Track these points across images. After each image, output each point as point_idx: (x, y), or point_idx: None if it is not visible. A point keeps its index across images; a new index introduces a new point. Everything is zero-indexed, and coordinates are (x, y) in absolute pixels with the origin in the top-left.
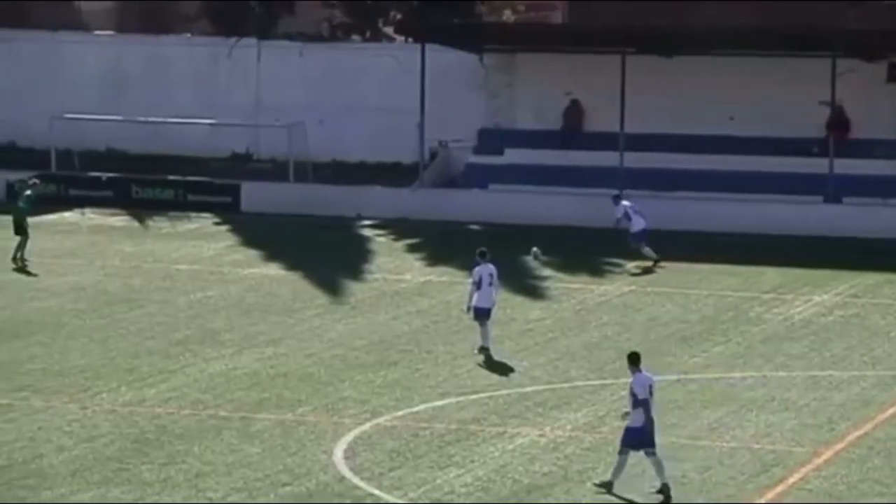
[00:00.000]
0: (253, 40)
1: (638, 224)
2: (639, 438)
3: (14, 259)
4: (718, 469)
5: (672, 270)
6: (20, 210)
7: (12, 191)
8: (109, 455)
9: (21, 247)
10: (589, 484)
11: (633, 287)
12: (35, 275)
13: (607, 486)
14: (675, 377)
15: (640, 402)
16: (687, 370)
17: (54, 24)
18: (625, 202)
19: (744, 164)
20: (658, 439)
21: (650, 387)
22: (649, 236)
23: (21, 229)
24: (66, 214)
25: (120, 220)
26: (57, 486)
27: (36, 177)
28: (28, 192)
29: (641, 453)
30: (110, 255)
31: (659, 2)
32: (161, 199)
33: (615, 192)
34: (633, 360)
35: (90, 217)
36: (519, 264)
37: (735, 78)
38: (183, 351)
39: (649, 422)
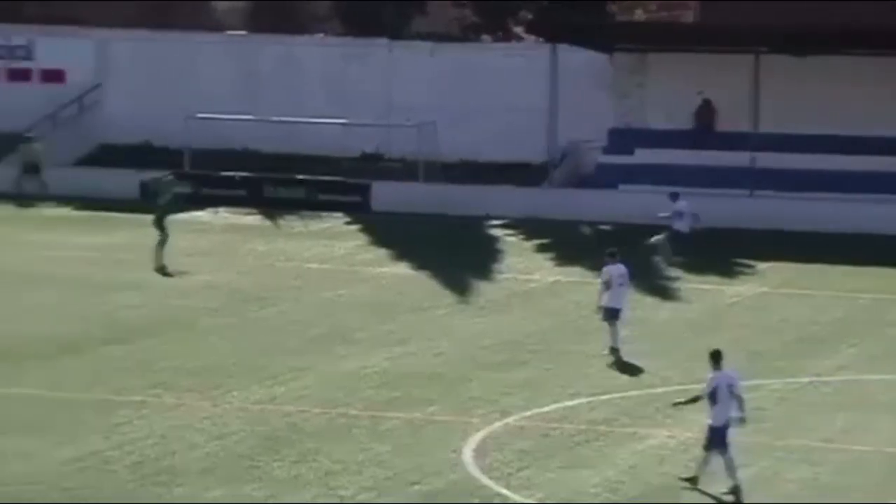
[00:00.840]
0: (384, 40)
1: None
2: (723, 435)
3: (158, 257)
4: (851, 472)
5: (805, 272)
6: (164, 208)
7: (147, 190)
8: (241, 453)
9: (161, 244)
10: (718, 489)
11: (764, 288)
12: (172, 275)
13: (735, 492)
14: (807, 379)
15: (705, 397)
16: (820, 372)
17: (189, 24)
18: (683, 202)
19: (877, 164)
20: (785, 441)
21: (730, 386)
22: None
23: (160, 225)
24: (200, 213)
25: (252, 219)
26: (189, 482)
27: (171, 175)
28: (168, 194)
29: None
30: (243, 254)
31: (792, 1)
32: (293, 198)
33: (673, 189)
34: (713, 357)
35: (223, 216)
36: (649, 265)
37: (869, 78)
38: (314, 349)
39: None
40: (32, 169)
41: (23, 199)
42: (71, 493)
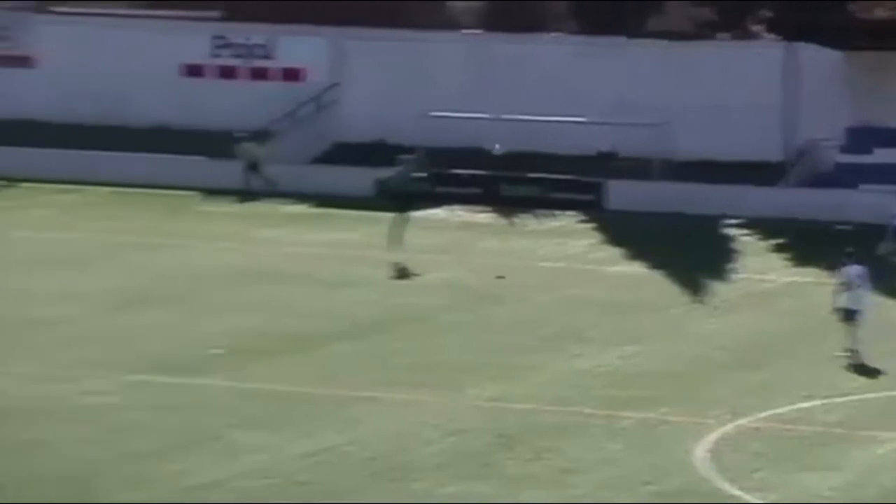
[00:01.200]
0: (621, 39)
1: None
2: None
3: (395, 242)
4: None
5: None
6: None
7: (382, 187)
8: (474, 449)
9: (400, 224)
10: None
11: None
12: (408, 275)
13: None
14: None
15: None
16: None
17: (426, 23)
18: None
19: None
20: None
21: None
22: None
23: (402, 206)
24: (434, 211)
25: (486, 216)
26: (423, 479)
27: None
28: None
29: None
30: (476, 252)
31: None
32: (526, 196)
33: None
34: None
35: (457, 214)
36: (888, 265)
37: None
38: (547, 347)
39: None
40: (253, 167)
41: (248, 195)
42: (306, 488)
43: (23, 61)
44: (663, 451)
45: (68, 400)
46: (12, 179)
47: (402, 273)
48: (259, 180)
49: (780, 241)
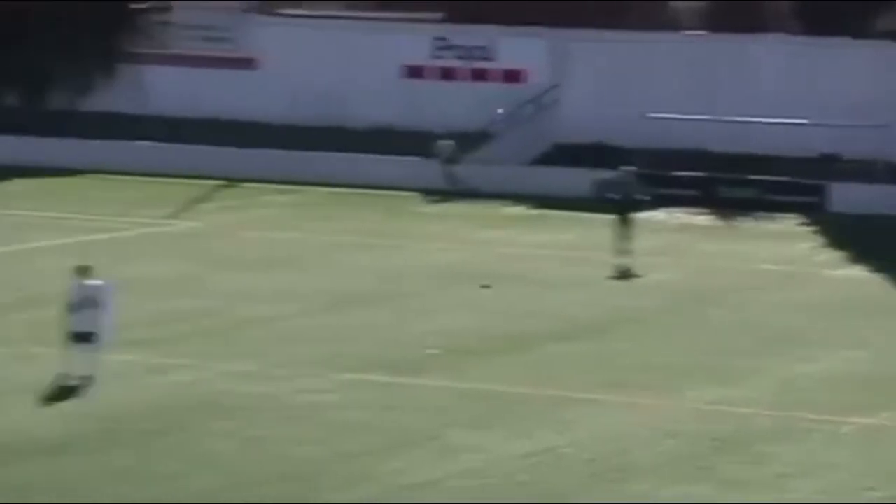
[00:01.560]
0: (845, 39)
1: None
2: None
3: (623, 248)
4: None
5: None
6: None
7: (602, 190)
8: (693, 452)
9: (625, 228)
10: None
11: None
12: (628, 277)
13: None
14: None
15: None
16: None
17: (647, 24)
18: None
19: None
20: None
21: None
22: None
23: (624, 220)
24: (653, 213)
25: (704, 219)
26: (642, 481)
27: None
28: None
29: None
30: (694, 254)
31: None
32: (745, 198)
33: None
34: None
35: (676, 216)
36: None
37: None
38: (767, 351)
39: None
40: (449, 162)
41: (453, 195)
42: (525, 488)
43: (246, 63)
44: (887, 456)
45: (285, 398)
46: (234, 180)
47: (626, 275)
48: (447, 175)
49: None
